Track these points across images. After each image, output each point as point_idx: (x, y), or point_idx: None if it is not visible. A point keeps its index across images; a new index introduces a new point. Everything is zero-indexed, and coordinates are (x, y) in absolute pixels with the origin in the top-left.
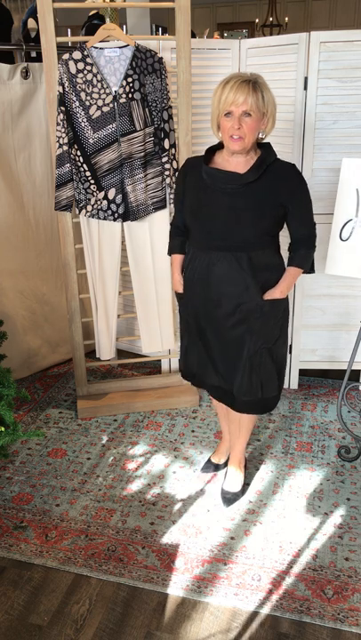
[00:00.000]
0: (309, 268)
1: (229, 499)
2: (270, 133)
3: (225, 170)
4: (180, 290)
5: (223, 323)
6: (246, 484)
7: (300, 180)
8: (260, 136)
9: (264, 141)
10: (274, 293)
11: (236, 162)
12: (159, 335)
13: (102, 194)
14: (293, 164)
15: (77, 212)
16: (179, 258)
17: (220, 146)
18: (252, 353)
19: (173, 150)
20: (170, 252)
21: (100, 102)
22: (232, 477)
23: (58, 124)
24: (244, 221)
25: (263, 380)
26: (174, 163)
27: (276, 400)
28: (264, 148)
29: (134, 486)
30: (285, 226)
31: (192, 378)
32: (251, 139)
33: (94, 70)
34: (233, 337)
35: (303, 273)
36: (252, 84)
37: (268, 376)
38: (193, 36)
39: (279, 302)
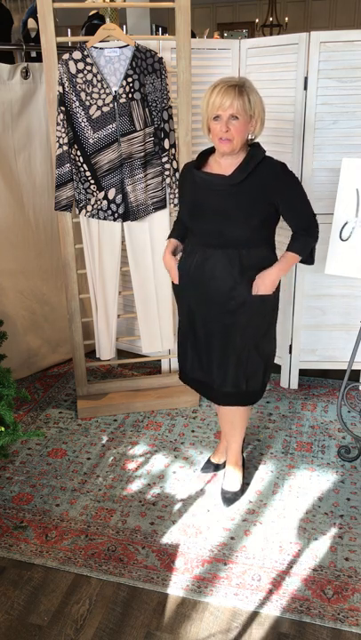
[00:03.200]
0: (308, 257)
1: (229, 498)
2: (260, 134)
3: (213, 173)
4: (172, 267)
5: (213, 317)
6: (246, 484)
7: (290, 176)
8: (250, 137)
9: (255, 141)
10: (266, 275)
11: (227, 163)
12: (159, 335)
13: (102, 194)
14: (283, 163)
15: (77, 211)
16: (173, 242)
17: (212, 149)
18: (240, 347)
19: (173, 150)
20: (168, 237)
21: (100, 102)
22: (231, 477)
23: (58, 124)
24: (235, 220)
25: (249, 374)
26: (174, 163)
27: (260, 394)
28: (252, 148)
29: (134, 486)
30: (283, 226)
31: (181, 373)
32: (239, 140)
33: (94, 70)
34: (221, 331)
35: (302, 263)
36: (238, 88)
37: (253, 370)
38: (193, 36)
39: (268, 299)
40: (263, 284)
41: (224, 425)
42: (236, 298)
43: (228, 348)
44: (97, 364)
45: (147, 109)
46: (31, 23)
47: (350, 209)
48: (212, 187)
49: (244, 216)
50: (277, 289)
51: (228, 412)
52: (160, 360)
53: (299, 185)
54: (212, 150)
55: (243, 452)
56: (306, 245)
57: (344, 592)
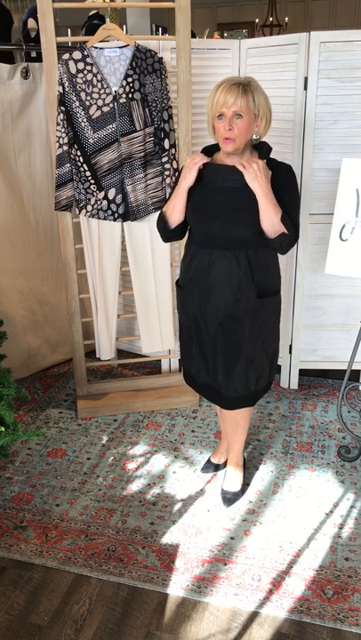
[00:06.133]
0: (277, 238)
1: (229, 499)
2: (265, 135)
3: (225, 164)
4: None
5: (220, 320)
6: (246, 484)
7: (292, 180)
8: (255, 137)
9: (260, 141)
10: (256, 172)
11: (231, 163)
12: (159, 335)
13: (102, 194)
14: (289, 165)
15: (77, 211)
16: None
17: (217, 147)
18: (249, 349)
19: (173, 150)
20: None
21: (100, 102)
22: (231, 477)
23: (58, 124)
24: (242, 219)
25: (258, 374)
26: (174, 163)
27: (265, 392)
28: (259, 149)
29: (134, 486)
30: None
31: (186, 377)
32: (243, 140)
33: (94, 70)
34: (228, 334)
35: (268, 239)
36: (243, 86)
37: (262, 370)
38: (193, 36)
39: (272, 301)
40: (258, 176)
41: (227, 426)
42: (244, 300)
43: (236, 350)
44: (97, 363)
45: (147, 109)
46: (31, 23)
47: (350, 209)
48: (221, 181)
49: (252, 214)
50: (280, 288)
51: (232, 413)
52: (160, 360)
53: (297, 192)
54: (215, 149)
55: (243, 452)
56: (290, 235)
57: (344, 592)
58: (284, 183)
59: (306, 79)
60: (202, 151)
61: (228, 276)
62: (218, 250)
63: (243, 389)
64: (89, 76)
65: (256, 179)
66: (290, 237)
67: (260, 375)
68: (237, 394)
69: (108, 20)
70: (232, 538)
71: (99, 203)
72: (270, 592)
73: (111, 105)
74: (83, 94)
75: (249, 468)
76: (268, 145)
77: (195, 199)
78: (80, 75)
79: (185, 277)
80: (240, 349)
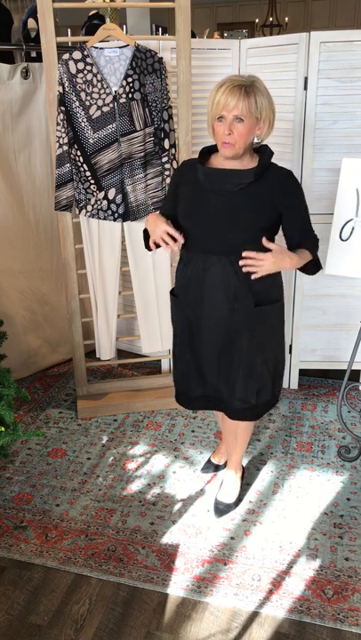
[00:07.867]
0: (313, 265)
1: (221, 510)
2: (267, 137)
3: (224, 168)
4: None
5: (215, 329)
6: (246, 485)
7: (296, 185)
8: (256, 140)
9: (262, 143)
10: (285, 253)
11: (230, 165)
12: (159, 335)
13: (102, 194)
14: (290, 171)
15: (77, 211)
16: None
17: (216, 148)
18: (246, 360)
19: (173, 150)
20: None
21: (100, 102)
22: (227, 487)
23: (58, 124)
24: (240, 223)
25: (258, 388)
26: (174, 163)
27: (270, 406)
28: (262, 153)
29: (134, 486)
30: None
31: (178, 397)
32: (242, 145)
33: (94, 70)
34: (225, 345)
35: (303, 269)
36: (245, 88)
37: (263, 382)
38: (193, 36)
39: (272, 309)
40: (277, 257)
41: (227, 435)
42: (240, 308)
43: (234, 362)
44: (97, 363)
45: (147, 109)
46: (31, 23)
47: (350, 209)
48: (219, 185)
49: (250, 218)
50: (281, 296)
51: (232, 423)
52: (160, 360)
53: (303, 197)
54: (214, 149)
55: (242, 459)
56: (315, 252)
57: (344, 592)
58: (293, 194)
59: (306, 79)
60: (200, 152)
61: (223, 282)
62: (214, 255)
63: (243, 402)
64: (89, 76)
65: (276, 266)
66: (316, 250)
67: (260, 389)
68: (239, 405)
69: (108, 19)
70: (232, 538)
71: (99, 203)
72: (270, 592)
73: (111, 105)
74: (83, 94)
75: (249, 468)
76: (269, 149)
77: (190, 203)
78: (80, 75)
79: (180, 284)
80: (238, 361)
